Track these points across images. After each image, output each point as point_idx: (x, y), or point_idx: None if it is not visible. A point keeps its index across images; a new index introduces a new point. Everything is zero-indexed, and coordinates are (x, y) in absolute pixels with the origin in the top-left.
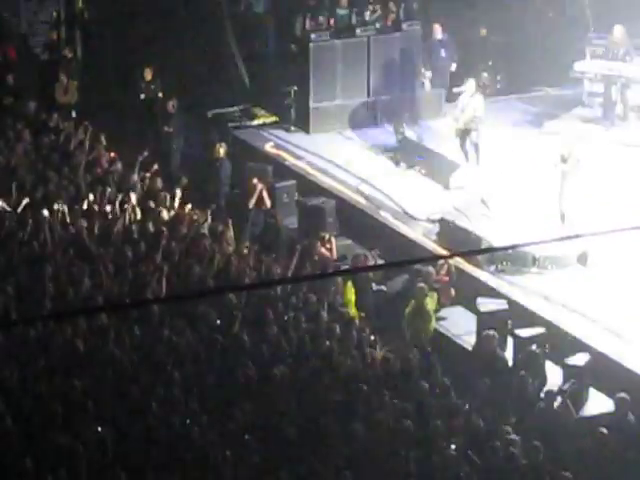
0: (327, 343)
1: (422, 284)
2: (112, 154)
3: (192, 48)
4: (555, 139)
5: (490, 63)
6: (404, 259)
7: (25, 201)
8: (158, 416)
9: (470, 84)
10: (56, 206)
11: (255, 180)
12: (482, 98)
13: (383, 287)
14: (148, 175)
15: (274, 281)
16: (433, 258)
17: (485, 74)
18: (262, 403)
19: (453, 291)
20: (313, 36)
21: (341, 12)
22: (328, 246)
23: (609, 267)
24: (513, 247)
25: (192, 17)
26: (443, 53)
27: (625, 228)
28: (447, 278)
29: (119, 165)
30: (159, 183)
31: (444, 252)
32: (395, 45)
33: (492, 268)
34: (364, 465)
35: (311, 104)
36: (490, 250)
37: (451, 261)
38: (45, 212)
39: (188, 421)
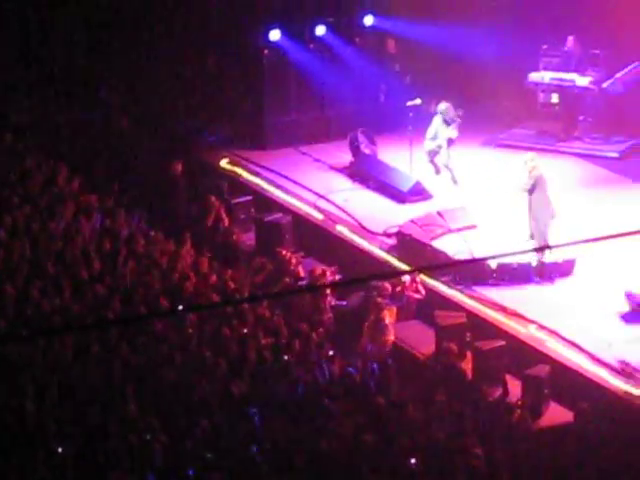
0: (286, 358)
1: (380, 298)
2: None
3: (147, 64)
4: (510, 151)
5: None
6: (364, 274)
7: None
8: (118, 435)
9: (443, 108)
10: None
11: (213, 198)
12: (454, 125)
13: (342, 302)
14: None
15: (236, 300)
16: (395, 274)
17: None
18: (222, 420)
19: (411, 304)
20: (266, 51)
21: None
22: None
23: (568, 278)
24: (472, 261)
25: (147, 33)
26: (397, 67)
27: (583, 240)
28: (420, 294)
29: (76, 183)
30: (115, 201)
31: (402, 265)
32: (349, 58)
33: (450, 280)
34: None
35: (266, 119)
36: (448, 264)
37: (418, 277)
38: (1, 232)
39: (148, 438)
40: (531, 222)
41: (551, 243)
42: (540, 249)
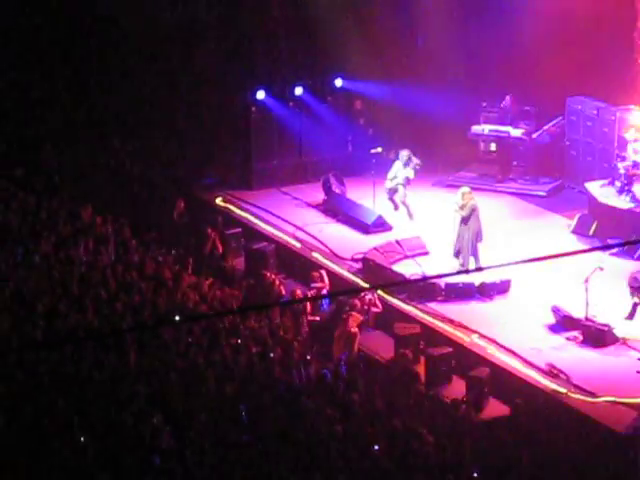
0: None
1: (348, 312)
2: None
3: (154, 118)
4: (455, 190)
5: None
6: (335, 291)
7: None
8: (129, 428)
9: (403, 154)
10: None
11: (209, 230)
12: (411, 168)
13: (316, 317)
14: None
15: (228, 311)
16: (359, 290)
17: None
18: (217, 414)
19: (372, 317)
20: (254, 109)
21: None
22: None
23: (504, 295)
24: (424, 279)
25: (155, 93)
26: (362, 121)
27: (517, 261)
28: (379, 309)
29: (98, 219)
30: (128, 232)
31: (366, 285)
32: (322, 114)
33: (406, 297)
34: (304, 464)
35: (253, 165)
36: (405, 282)
37: (376, 294)
38: (36, 258)
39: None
40: (463, 245)
41: (484, 264)
42: (474, 270)
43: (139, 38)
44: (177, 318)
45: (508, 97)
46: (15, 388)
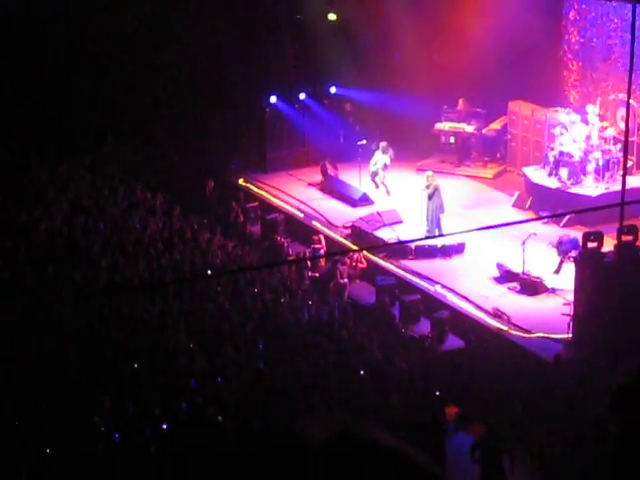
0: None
1: (340, 267)
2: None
3: (189, 118)
4: (422, 173)
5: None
6: (330, 252)
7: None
8: (173, 351)
9: (382, 145)
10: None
11: (233, 203)
12: (389, 156)
13: (315, 273)
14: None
15: (248, 267)
16: (348, 250)
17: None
18: (240, 346)
19: (359, 271)
20: (268, 110)
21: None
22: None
23: (460, 255)
24: (399, 243)
25: (189, 98)
26: (351, 119)
27: (470, 229)
28: (364, 265)
29: (147, 195)
30: (172, 205)
31: (354, 247)
32: (321, 114)
33: (385, 256)
34: (307, 385)
35: (267, 153)
36: (384, 245)
37: (363, 254)
38: (101, 225)
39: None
40: (429, 215)
41: (445, 230)
42: (437, 236)
43: (185, 63)
44: (209, 272)
45: (461, 100)
46: (85, 325)
